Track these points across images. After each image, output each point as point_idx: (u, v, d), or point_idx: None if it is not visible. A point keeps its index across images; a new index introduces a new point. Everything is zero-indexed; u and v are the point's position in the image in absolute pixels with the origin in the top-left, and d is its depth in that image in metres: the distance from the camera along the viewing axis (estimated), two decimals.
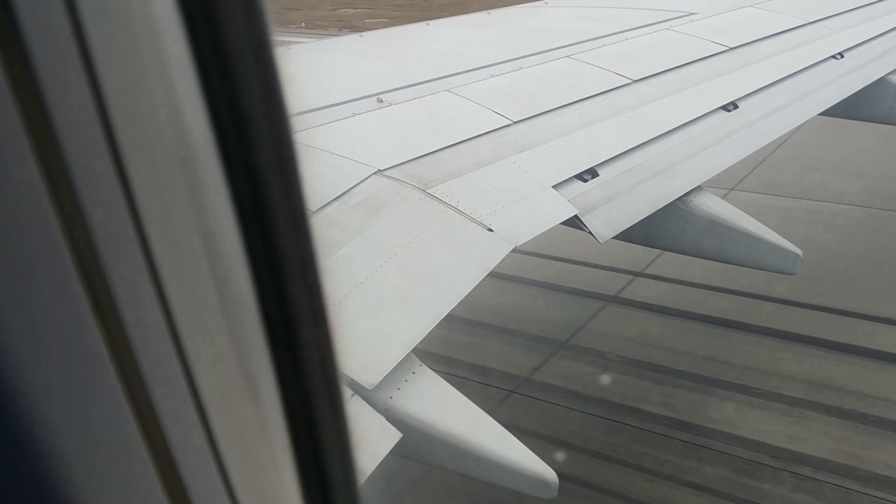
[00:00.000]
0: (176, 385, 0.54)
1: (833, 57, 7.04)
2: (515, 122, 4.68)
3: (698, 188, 4.90)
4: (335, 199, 3.56)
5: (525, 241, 3.73)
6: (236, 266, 0.56)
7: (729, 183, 11.34)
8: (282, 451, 0.62)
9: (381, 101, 4.64)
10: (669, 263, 8.83)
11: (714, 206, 4.90)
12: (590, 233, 4.17)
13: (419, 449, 2.95)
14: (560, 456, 6.36)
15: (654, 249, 6.57)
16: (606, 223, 4.26)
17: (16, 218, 0.44)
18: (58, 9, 0.43)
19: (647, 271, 9.32)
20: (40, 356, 0.46)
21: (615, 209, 4.35)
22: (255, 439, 0.61)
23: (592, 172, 4.47)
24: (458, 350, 7.81)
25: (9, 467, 0.47)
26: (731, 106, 5.68)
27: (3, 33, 0.42)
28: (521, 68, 5.55)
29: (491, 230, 3.66)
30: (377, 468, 2.46)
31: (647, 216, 4.50)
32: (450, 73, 5.23)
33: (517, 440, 3.02)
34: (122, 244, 0.49)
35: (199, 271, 0.54)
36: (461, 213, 3.71)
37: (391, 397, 2.84)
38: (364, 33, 6.75)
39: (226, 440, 0.58)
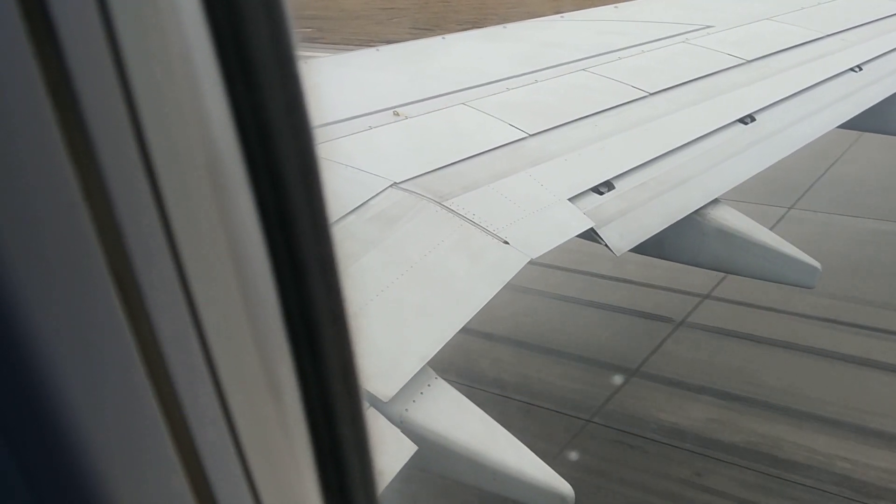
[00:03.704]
0: (202, 384, 0.55)
1: (851, 69, 7.00)
2: (531, 135, 4.69)
3: (715, 201, 4.87)
4: (351, 211, 3.58)
5: (541, 253, 3.72)
6: (259, 268, 0.58)
7: None
8: (302, 449, 0.64)
9: (398, 114, 4.66)
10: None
11: (731, 218, 4.87)
12: (606, 245, 4.16)
13: (435, 462, 2.94)
14: None
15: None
16: (623, 236, 4.24)
17: (52, 220, 0.46)
18: (94, 22, 0.46)
19: None
20: (71, 354, 0.48)
21: (632, 222, 4.33)
22: (277, 438, 0.63)
23: (608, 185, 4.46)
24: None
25: (42, 465, 0.49)
26: (748, 119, 5.66)
27: (44, 46, 0.44)
28: (536, 81, 5.56)
29: (507, 243, 3.66)
30: (393, 480, 2.45)
31: (664, 229, 4.48)
32: (465, 86, 5.25)
33: (533, 454, 3.00)
34: (151, 245, 0.51)
35: (224, 273, 0.56)
36: (477, 225, 3.71)
37: (407, 410, 2.83)
38: (381, 47, 6.80)
39: (249, 439, 0.59)
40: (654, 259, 5.37)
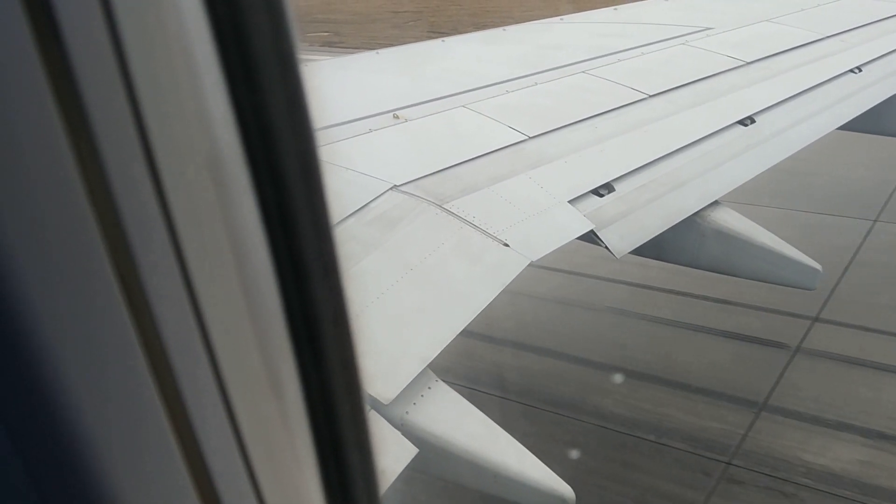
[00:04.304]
0: (205, 383, 0.56)
1: (851, 71, 7.01)
2: (531, 138, 4.70)
3: (715, 203, 4.88)
4: (352, 214, 3.58)
5: (541, 256, 3.72)
6: (262, 267, 0.58)
7: None
8: (304, 448, 0.64)
9: (398, 117, 4.67)
10: None
11: (731, 220, 4.88)
12: (606, 248, 4.16)
13: (435, 464, 2.94)
14: None
15: None
16: (623, 238, 4.25)
17: (55, 218, 0.46)
18: (97, 21, 0.46)
19: None
20: (75, 352, 0.48)
21: (632, 224, 4.34)
22: (279, 437, 0.63)
23: (608, 187, 4.47)
24: None
25: (45, 463, 0.49)
26: (747, 120, 5.67)
27: (47, 46, 0.45)
28: (536, 84, 5.57)
29: (507, 245, 3.66)
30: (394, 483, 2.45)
31: (664, 231, 4.48)
32: (465, 89, 5.26)
33: (534, 456, 3.00)
34: (154, 244, 0.51)
35: (227, 272, 0.56)
36: (477, 228, 3.72)
37: (407, 412, 2.83)
38: (381, 50, 6.82)
39: (251, 437, 0.60)
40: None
